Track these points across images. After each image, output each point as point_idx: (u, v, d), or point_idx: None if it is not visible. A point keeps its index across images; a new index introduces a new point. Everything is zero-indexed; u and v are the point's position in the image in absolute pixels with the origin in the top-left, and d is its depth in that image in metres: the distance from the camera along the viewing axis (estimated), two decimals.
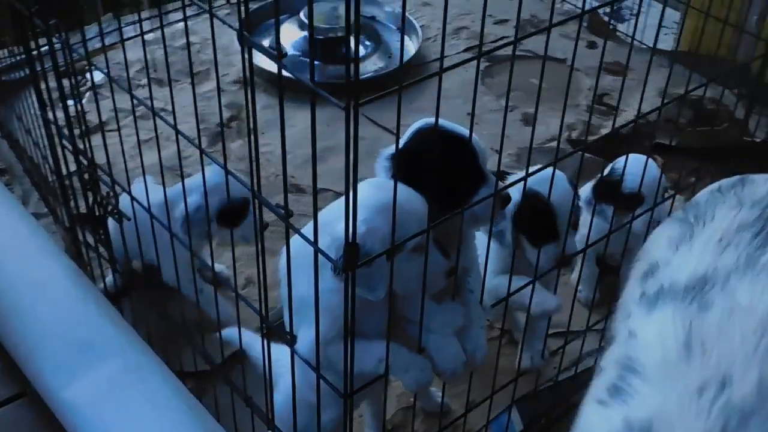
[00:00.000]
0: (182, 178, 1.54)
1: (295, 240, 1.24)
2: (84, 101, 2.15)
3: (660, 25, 1.65)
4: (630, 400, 0.99)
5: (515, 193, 1.51)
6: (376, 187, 1.32)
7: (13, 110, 2.39)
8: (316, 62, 2.93)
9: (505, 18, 3.41)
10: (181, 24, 3.13)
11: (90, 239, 1.93)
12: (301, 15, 2.98)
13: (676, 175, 2.45)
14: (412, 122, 1.50)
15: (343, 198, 1.04)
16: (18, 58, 2.50)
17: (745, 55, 2.23)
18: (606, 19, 3.45)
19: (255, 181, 1.12)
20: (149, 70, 1.49)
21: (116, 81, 1.57)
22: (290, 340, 1.25)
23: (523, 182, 1.36)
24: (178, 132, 1.30)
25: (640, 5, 1.93)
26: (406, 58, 3.12)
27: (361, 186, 1.30)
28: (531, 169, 1.36)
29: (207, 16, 3.46)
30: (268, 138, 2.68)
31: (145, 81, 2.41)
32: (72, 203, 1.89)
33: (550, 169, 1.46)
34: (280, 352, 1.40)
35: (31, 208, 2.42)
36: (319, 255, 1.12)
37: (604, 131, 2.82)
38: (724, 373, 0.95)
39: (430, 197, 1.32)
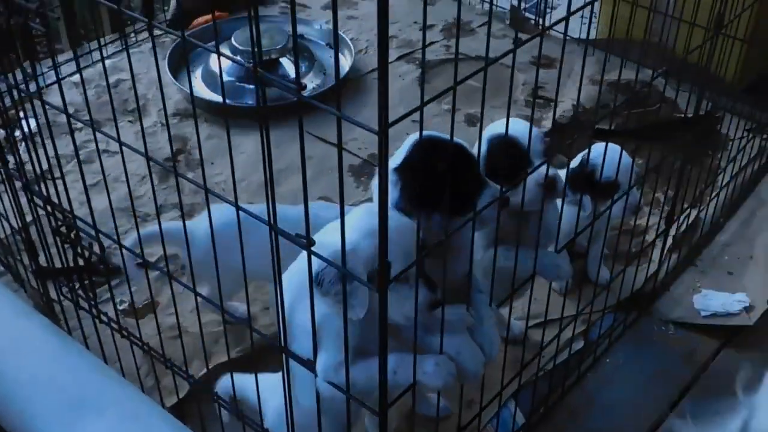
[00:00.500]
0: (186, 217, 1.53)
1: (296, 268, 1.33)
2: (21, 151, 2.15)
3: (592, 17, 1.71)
4: None
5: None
6: (368, 213, 1.34)
7: None
8: (251, 86, 2.98)
9: (431, 23, 3.47)
10: (107, 62, 3.15)
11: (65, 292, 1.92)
12: (233, 40, 3.00)
13: None
14: (358, 135, 1.55)
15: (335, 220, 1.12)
16: None
17: (659, 36, 2.34)
18: (528, 15, 3.55)
19: (271, 213, 1.15)
20: (82, 111, 1.50)
21: (56, 125, 1.58)
22: (312, 364, 1.29)
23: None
24: (177, 175, 1.32)
25: None
26: (342, 73, 3.16)
27: (355, 210, 1.37)
28: None
29: (132, 51, 3.44)
30: (218, 167, 2.69)
31: (80, 125, 2.41)
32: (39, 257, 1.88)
33: None
34: (265, 381, 1.45)
35: None
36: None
37: (545, 123, 2.88)
38: None
39: (435, 207, 1.36)
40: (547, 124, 2.86)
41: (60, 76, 1.47)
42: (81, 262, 1.68)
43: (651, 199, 2.50)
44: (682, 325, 2.22)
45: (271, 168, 1.13)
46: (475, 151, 1.59)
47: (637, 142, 2.19)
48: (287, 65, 3.08)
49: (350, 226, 1.21)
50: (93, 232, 1.54)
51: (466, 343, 1.41)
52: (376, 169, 1.51)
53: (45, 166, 1.68)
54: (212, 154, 2.74)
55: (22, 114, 1.64)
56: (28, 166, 1.73)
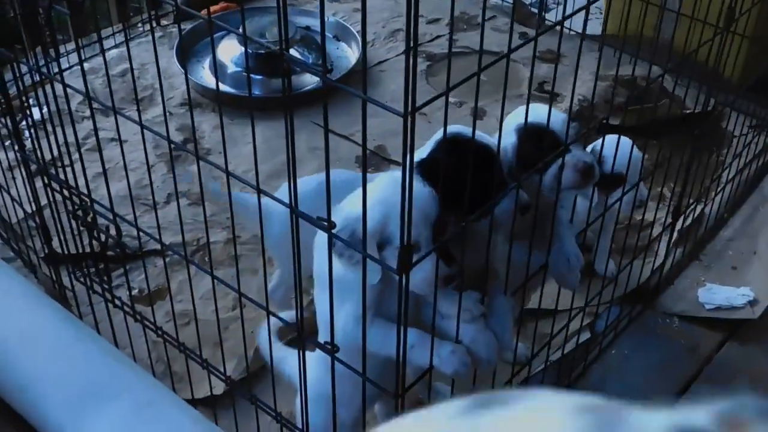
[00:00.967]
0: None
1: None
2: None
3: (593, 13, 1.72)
4: None
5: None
6: (388, 181, 1.35)
7: None
8: (259, 76, 2.99)
9: (437, 17, 3.49)
10: (115, 52, 3.16)
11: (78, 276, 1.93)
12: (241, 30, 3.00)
13: None
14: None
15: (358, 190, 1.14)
16: None
17: (668, 33, 2.34)
18: (533, 10, 3.56)
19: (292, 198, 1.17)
20: (92, 100, 1.51)
21: (64, 112, 1.59)
22: (332, 349, 1.28)
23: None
24: (229, 175, 1.33)
25: None
26: (348, 65, 3.17)
27: (379, 177, 1.39)
28: None
29: (141, 40, 3.46)
30: (229, 156, 2.68)
31: (87, 113, 2.43)
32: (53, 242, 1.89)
33: None
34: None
35: None
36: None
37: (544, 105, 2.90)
38: None
39: (453, 204, 1.36)
40: None
41: (83, 58, 1.48)
42: (97, 246, 1.69)
43: (659, 194, 2.52)
44: (686, 318, 2.24)
45: (294, 153, 1.15)
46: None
47: (643, 138, 2.21)
48: (295, 56, 3.09)
49: (369, 193, 1.22)
50: (110, 216, 1.56)
51: (481, 330, 1.42)
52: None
53: (56, 152, 1.70)
54: (221, 144, 2.75)
55: (34, 99, 1.66)
56: (42, 152, 1.75)
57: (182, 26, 3.21)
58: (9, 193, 2.08)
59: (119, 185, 2.10)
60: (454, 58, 3.31)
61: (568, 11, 1.32)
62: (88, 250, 1.76)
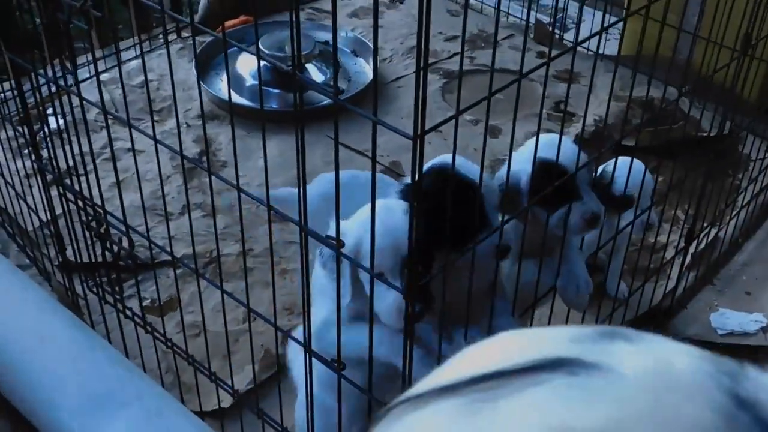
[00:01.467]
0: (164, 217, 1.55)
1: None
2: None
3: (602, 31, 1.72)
4: None
5: None
6: (381, 207, 1.36)
7: None
8: (276, 90, 3.01)
9: (455, 34, 3.50)
10: (134, 62, 3.19)
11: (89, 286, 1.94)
12: (260, 45, 3.03)
13: None
14: (378, 142, 1.56)
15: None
16: None
17: (685, 54, 2.34)
18: (550, 29, 3.56)
19: (301, 213, 1.18)
20: (108, 111, 1.52)
21: (80, 123, 1.61)
22: (338, 365, 1.28)
23: None
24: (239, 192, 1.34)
25: (580, 14, 2.03)
26: (365, 81, 3.18)
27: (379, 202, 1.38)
28: None
29: (161, 52, 3.49)
30: (241, 169, 2.69)
31: (103, 123, 2.44)
32: (67, 251, 1.90)
33: None
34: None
35: (12, 261, 2.42)
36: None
37: (565, 137, 2.90)
38: None
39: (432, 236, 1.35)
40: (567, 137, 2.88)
41: (99, 71, 1.49)
42: (109, 256, 1.71)
43: (672, 216, 2.51)
44: (698, 343, 2.20)
45: (305, 169, 1.16)
46: (501, 172, 1.59)
47: (658, 159, 2.20)
48: (313, 71, 3.11)
49: (361, 214, 1.28)
50: (123, 227, 1.57)
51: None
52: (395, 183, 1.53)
53: (72, 162, 1.72)
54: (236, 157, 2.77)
55: (51, 110, 1.68)
56: (58, 162, 1.77)
57: (202, 39, 3.23)
58: (26, 201, 2.11)
59: (134, 195, 2.12)
60: (471, 75, 3.34)
61: (587, 29, 1.33)
62: (101, 260, 1.77)
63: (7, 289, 1.84)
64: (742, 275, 2.44)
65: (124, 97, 1.48)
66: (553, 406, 0.37)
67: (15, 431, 1.72)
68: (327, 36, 3.34)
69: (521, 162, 1.57)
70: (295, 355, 1.70)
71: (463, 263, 1.33)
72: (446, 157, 1.46)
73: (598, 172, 2.14)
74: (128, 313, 1.80)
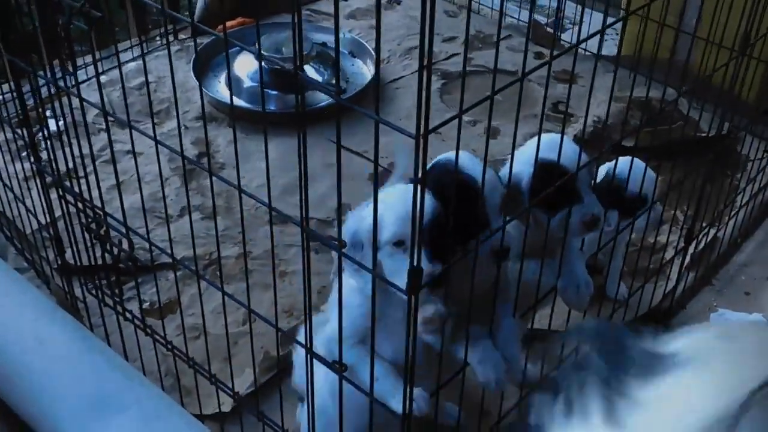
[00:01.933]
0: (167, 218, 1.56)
1: None
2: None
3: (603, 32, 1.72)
4: None
5: None
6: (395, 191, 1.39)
7: None
8: (274, 92, 3.01)
9: (453, 35, 3.50)
10: (132, 65, 3.18)
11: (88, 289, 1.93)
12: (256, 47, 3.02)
13: None
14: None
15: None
16: None
17: (683, 56, 2.35)
18: (549, 30, 3.57)
19: (304, 215, 1.18)
20: (107, 113, 1.52)
21: (79, 125, 1.60)
22: (339, 367, 1.28)
23: None
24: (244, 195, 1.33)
25: (582, 15, 2.03)
26: (363, 82, 3.18)
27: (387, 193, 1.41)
28: None
29: (158, 53, 3.48)
30: (241, 172, 2.68)
31: (104, 125, 2.42)
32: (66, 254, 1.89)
33: None
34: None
35: (10, 264, 2.41)
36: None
37: (566, 137, 2.90)
38: None
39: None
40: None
41: (99, 71, 1.49)
42: (109, 258, 1.70)
43: (671, 217, 2.51)
44: None
45: (306, 171, 1.15)
46: (503, 172, 1.59)
47: (657, 160, 2.20)
48: (311, 72, 3.10)
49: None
50: (123, 229, 1.56)
51: (489, 351, 1.42)
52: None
53: (71, 165, 1.71)
54: (234, 159, 2.77)
55: (51, 112, 1.67)
56: (57, 164, 1.77)
57: (199, 41, 3.23)
58: (24, 204, 2.10)
59: (133, 197, 2.12)
60: (469, 77, 3.33)
61: (584, 30, 1.33)
62: (100, 262, 1.77)
63: (5, 292, 1.83)
64: (741, 275, 2.45)
65: (125, 98, 1.47)
66: None
67: None
68: (324, 37, 3.33)
69: (522, 162, 1.56)
70: (301, 362, 1.69)
71: (463, 263, 1.33)
72: (451, 154, 1.46)
73: (600, 174, 2.14)
74: (128, 315, 1.79)
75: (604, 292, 2.32)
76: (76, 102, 1.58)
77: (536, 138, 1.62)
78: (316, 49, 3.13)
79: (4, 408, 1.73)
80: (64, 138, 1.67)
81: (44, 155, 1.83)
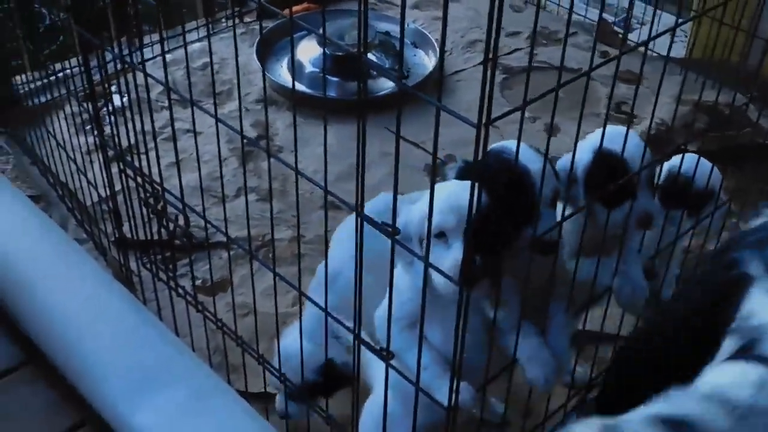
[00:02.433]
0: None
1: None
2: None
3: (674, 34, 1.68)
4: None
5: None
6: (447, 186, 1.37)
7: (37, 135, 2.44)
8: (335, 78, 3.02)
9: (517, 30, 3.46)
10: (197, 45, 3.22)
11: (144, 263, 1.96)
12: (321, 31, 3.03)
13: None
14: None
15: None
16: (45, 81, 2.58)
17: (755, 61, 2.27)
18: (616, 29, 3.51)
19: (359, 201, 1.19)
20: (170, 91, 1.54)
21: (143, 101, 1.63)
22: (386, 355, 1.27)
23: None
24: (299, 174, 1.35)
25: (654, 14, 1.98)
26: (424, 72, 3.16)
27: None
28: None
29: (223, 35, 3.52)
30: (300, 155, 2.70)
31: (166, 103, 2.47)
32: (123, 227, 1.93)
33: None
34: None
35: (70, 235, 2.46)
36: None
37: (632, 132, 2.85)
38: None
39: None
40: None
41: (165, 49, 1.51)
42: (165, 234, 1.73)
43: (735, 226, 2.45)
44: None
45: (364, 158, 1.15)
46: (565, 160, 1.56)
47: (721, 164, 2.15)
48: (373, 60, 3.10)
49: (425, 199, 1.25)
50: (180, 206, 1.58)
51: (539, 348, 1.40)
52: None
53: (133, 140, 1.74)
54: (293, 143, 2.78)
55: (117, 87, 1.70)
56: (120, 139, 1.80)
57: (264, 24, 3.25)
58: (86, 177, 2.14)
59: (191, 176, 2.14)
60: (531, 73, 3.29)
61: (651, 30, 1.30)
62: (156, 237, 1.80)
63: (66, 263, 1.88)
64: None
65: (188, 77, 1.49)
66: None
67: (64, 403, 1.75)
68: (387, 27, 3.33)
69: (583, 150, 1.54)
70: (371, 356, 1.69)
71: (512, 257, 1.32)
72: (507, 143, 1.44)
73: (663, 174, 2.08)
74: (180, 291, 1.82)
75: (659, 298, 2.27)
76: (140, 79, 1.60)
77: (599, 130, 1.59)
78: (378, 38, 3.13)
79: (56, 374, 1.77)
80: (128, 114, 1.70)
81: (107, 130, 1.87)
